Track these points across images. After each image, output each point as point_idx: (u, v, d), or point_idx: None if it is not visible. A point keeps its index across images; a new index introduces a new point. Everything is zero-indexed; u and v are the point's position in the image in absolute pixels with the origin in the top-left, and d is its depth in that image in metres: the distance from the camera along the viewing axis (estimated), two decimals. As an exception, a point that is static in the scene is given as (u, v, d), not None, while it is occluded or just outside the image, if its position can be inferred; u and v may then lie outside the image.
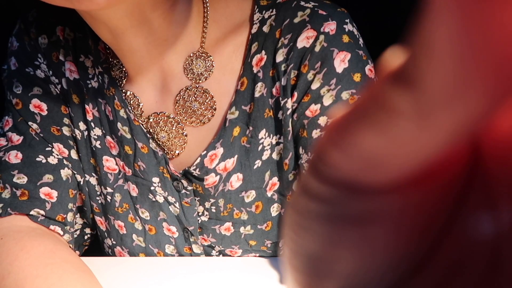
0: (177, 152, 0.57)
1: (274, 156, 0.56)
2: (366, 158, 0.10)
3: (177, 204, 0.59)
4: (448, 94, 0.08)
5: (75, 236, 0.61)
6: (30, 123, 0.57)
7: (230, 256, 0.62)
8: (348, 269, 0.13)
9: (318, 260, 0.13)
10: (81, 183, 0.60)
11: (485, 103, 0.08)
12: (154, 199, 0.59)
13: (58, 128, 0.59)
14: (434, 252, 0.12)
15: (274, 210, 0.58)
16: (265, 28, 0.53)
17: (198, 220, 0.59)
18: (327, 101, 0.51)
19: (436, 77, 0.08)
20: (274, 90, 0.53)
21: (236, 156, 0.55)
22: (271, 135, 0.55)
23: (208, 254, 0.62)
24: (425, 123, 0.09)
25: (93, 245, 0.67)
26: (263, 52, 0.53)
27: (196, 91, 0.54)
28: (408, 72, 0.09)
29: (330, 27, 0.51)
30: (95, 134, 0.59)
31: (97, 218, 0.63)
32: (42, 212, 0.54)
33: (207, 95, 0.54)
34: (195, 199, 0.58)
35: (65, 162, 0.58)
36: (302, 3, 0.52)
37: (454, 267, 0.12)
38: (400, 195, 0.11)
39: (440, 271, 0.12)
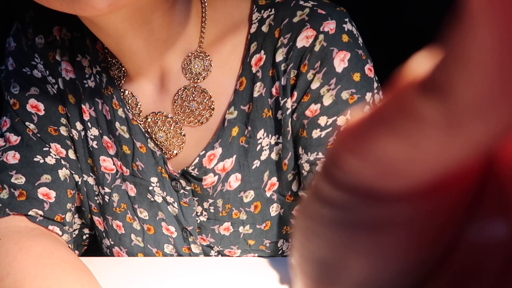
0: (175, 152, 0.57)
1: (273, 156, 0.56)
2: (385, 164, 0.10)
3: (175, 204, 0.59)
4: (481, 105, 0.08)
5: (74, 236, 0.61)
6: (27, 123, 0.57)
7: (229, 256, 0.61)
8: (360, 276, 0.13)
9: (329, 266, 0.13)
10: (79, 183, 0.60)
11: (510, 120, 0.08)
12: (152, 199, 0.59)
13: (55, 128, 0.58)
14: (447, 258, 0.12)
15: (273, 210, 0.58)
16: (264, 28, 0.53)
17: (197, 220, 0.59)
18: (327, 100, 0.51)
19: (470, 87, 0.08)
20: (273, 90, 0.53)
21: (234, 156, 0.55)
22: (270, 135, 0.55)
23: (206, 254, 0.62)
24: (453, 132, 0.09)
25: (92, 245, 0.67)
26: (262, 51, 0.53)
27: (194, 90, 0.54)
28: (439, 81, 0.09)
29: (330, 26, 0.51)
30: (91, 134, 0.59)
31: (95, 218, 0.63)
32: (40, 212, 0.54)
33: (205, 95, 0.54)
34: (194, 199, 0.58)
35: (63, 162, 0.58)
36: (301, 2, 0.52)
37: (467, 274, 0.12)
38: (415, 203, 0.11)
39: (453, 278, 0.12)
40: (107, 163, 0.59)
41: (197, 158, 0.55)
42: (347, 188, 0.11)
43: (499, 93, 0.08)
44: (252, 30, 0.53)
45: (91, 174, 0.61)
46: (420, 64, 0.09)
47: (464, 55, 0.08)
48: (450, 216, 0.12)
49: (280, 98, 0.53)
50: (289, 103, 0.53)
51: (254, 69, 0.53)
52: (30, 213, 0.54)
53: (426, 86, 0.09)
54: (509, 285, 0.11)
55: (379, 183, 0.11)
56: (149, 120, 0.56)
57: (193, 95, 0.54)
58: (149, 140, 0.57)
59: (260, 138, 0.55)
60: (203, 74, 0.54)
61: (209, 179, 0.56)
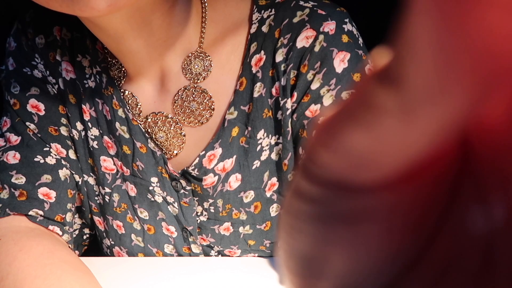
0: (175, 152, 0.57)
1: (273, 156, 0.56)
2: (355, 156, 0.10)
3: (175, 204, 0.59)
4: (431, 91, 0.09)
5: (74, 236, 0.61)
6: (27, 123, 0.57)
7: (229, 256, 0.62)
8: (342, 268, 0.13)
9: (312, 261, 0.13)
10: (80, 183, 0.60)
11: (467, 99, 0.09)
12: (152, 199, 0.59)
13: (56, 128, 0.58)
14: (429, 248, 0.12)
15: (274, 210, 0.58)
16: (264, 28, 0.53)
17: (197, 220, 0.59)
18: (327, 101, 0.51)
19: (419, 74, 0.08)
20: (273, 90, 0.53)
21: (234, 156, 0.55)
22: (270, 136, 0.55)
23: (207, 254, 0.62)
24: (409, 120, 0.09)
25: (93, 245, 0.67)
26: (262, 52, 0.53)
27: (194, 91, 0.54)
28: (392, 71, 0.09)
29: (330, 26, 0.50)
30: (92, 134, 0.59)
31: (96, 218, 0.63)
32: (40, 212, 0.54)
33: (205, 95, 0.54)
34: (194, 199, 0.58)
35: (63, 162, 0.58)
36: (301, 2, 0.52)
37: (450, 262, 0.12)
38: (390, 193, 0.11)
39: (436, 267, 0.12)
40: (107, 163, 0.59)
41: (197, 158, 0.56)
42: (322, 182, 0.11)
43: (445, 78, 0.08)
44: (252, 30, 0.53)
45: (91, 174, 0.61)
46: (380, 57, 0.10)
47: (411, 44, 0.08)
48: (430, 205, 0.12)
49: (280, 99, 0.53)
50: (289, 104, 0.53)
51: (254, 69, 0.53)
52: (30, 213, 0.54)
53: (382, 77, 0.09)
54: (491, 275, 0.12)
55: (352, 175, 0.11)
56: (149, 120, 0.56)
57: (193, 95, 0.54)
58: (149, 140, 0.57)
59: (260, 138, 0.55)
60: (203, 75, 0.54)
61: (209, 179, 0.56)
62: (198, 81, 0.54)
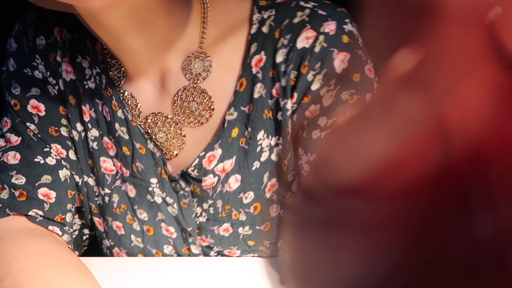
0: (175, 152, 0.57)
1: (273, 157, 0.56)
2: (373, 163, 0.10)
3: (175, 205, 0.59)
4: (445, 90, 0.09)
5: (74, 236, 0.61)
6: (28, 124, 0.57)
7: (228, 256, 0.61)
8: (350, 275, 0.13)
9: (319, 266, 0.13)
10: (80, 183, 0.60)
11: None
12: (152, 200, 0.59)
13: (56, 128, 0.58)
14: (441, 252, 0.12)
15: (273, 211, 0.58)
16: (265, 29, 0.53)
17: (196, 221, 0.59)
18: (326, 101, 0.51)
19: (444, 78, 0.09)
20: (273, 91, 0.53)
21: (234, 157, 0.55)
22: (270, 136, 0.55)
23: (206, 254, 0.62)
24: (434, 125, 0.09)
25: (92, 245, 0.67)
26: (263, 52, 0.53)
27: (194, 91, 0.54)
28: (418, 76, 0.09)
29: (330, 27, 0.50)
30: (92, 135, 0.59)
31: (96, 219, 0.63)
32: (40, 212, 0.54)
33: (205, 96, 0.54)
34: (193, 200, 0.58)
35: (63, 162, 0.58)
36: (302, 3, 0.52)
37: (463, 266, 0.12)
38: (401, 201, 0.11)
39: (449, 271, 0.12)
40: (107, 164, 0.59)
41: (197, 159, 0.55)
42: (337, 187, 0.11)
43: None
44: (253, 31, 0.53)
45: (91, 175, 0.61)
46: (400, 63, 0.09)
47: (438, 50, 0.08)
48: (440, 211, 0.12)
49: (280, 99, 0.53)
50: (289, 104, 0.52)
51: (254, 70, 0.53)
52: (30, 213, 0.54)
53: (407, 82, 0.09)
54: (503, 276, 0.11)
55: (369, 182, 0.11)
56: (149, 121, 0.56)
57: (193, 96, 0.54)
58: (148, 141, 0.57)
59: (260, 139, 0.55)
60: (203, 75, 0.54)
61: (209, 180, 0.56)
62: (198, 82, 0.54)
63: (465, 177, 0.12)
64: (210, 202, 0.57)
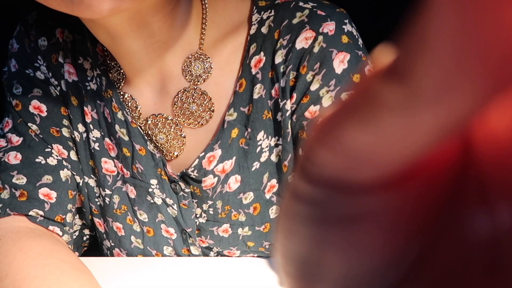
0: (175, 153, 0.57)
1: (273, 158, 0.55)
2: (354, 155, 0.10)
3: (175, 206, 0.59)
4: (439, 88, 0.08)
5: (74, 237, 0.61)
6: (29, 124, 0.58)
7: (228, 257, 0.61)
8: (339, 272, 0.12)
9: (310, 264, 0.13)
10: (80, 184, 0.61)
11: (475, 98, 0.08)
12: (152, 201, 0.59)
13: (58, 129, 0.59)
14: (431, 253, 0.12)
15: (273, 212, 0.58)
16: (264, 29, 0.53)
17: (196, 222, 0.59)
18: (326, 102, 0.51)
19: (429, 71, 0.08)
20: (273, 91, 0.53)
21: (234, 158, 0.55)
22: (270, 137, 0.54)
23: (206, 255, 0.62)
24: (412, 117, 0.09)
25: (92, 246, 0.67)
26: (262, 53, 0.53)
27: (194, 92, 0.54)
28: (400, 67, 0.09)
29: (329, 27, 0.50)
30: (93, 136, 0.59)
31: (96, 220, 0.63)
32: (41, 212, 0.55)
33: (205, 97, 0.54)
34: (193, 201, 0.58)
35: (64, 163, 0.59)
36: (301, 3, 0.52)
37: (453, 268, 0.12)
38: (389, 194, 0.11)
39: (438, 272, 0.12)
40: (108, 165, 0.60)
41: (197, 160, 0.55)
42: (320, 182, 0.11)
43: (455, 77, 0.08)
44: (252, 31, 0.53)
45: (92, 175, 0.61)
46: (382, 55, 0.09)
47: (425, 41, 0.08)
48: (430, 208, 0.12)
49: (279, 100, 0.53)
50: (289, 105, 0.52)
51: (253, 71, 0.53)
52: (30, 213, 0.54)
53: (387, 73, 0.09)
54: (497, 278, 0.11)
55: (349, 175, 0.10)
56: (149, 122, 0.57)
57: (193, 97, 0.54)
58: (148, 142, 0.57)
59: (260, 139, 0.55)
60: (203, 76, 0.54)
61: (209, 181, 0.56)
62: (198, 83, 0.54)
63: (459, 176, 0.11)
64: (210, 203, 0.57)
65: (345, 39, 0.51)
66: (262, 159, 0.55)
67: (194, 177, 0.56)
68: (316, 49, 0.50)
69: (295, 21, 0.51)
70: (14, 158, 0.56)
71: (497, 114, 0.10)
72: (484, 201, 0.11)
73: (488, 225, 0.11)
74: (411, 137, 0.09)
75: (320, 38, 0.50)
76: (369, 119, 0.09)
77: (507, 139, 0.10)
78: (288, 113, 0.53)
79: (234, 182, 0.56)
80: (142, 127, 0.57)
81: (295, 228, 0.12)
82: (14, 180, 0.55)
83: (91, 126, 0.59)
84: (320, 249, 0.12)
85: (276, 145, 0.55)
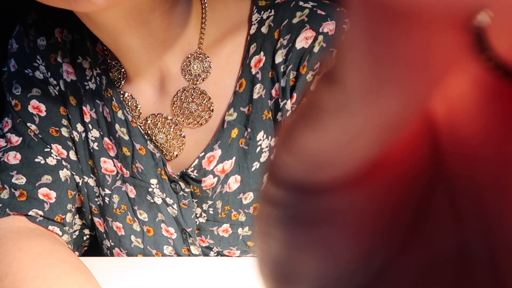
0: (175, 153, 0.57)
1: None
2: (310, 158, 0.10)
3: (175, 206, 0.59)
4: (364, 91, 0.09)
5: (74, 237, 0.61)
6: (29, 124, 0.58)
7: (228, 256, 0.61)
8: (313, 272, 0.13)
9: (284, 266, 0.13)
10: (80, 184, 0.61)
11: (401, 100, 0.09)
12: (152, 201, 0.59)
13: (57, 129, 0.59)
14: (403, 251, 0.12)
15: (273, 211, 0.58)
16: (264, 29, 0.53)
17: (196, 222, 0.59)
18: None
19: (355, 75, 0.09)
20: (273, 91, 0.53)
21: (234, 158, 0.55)
22: (270, 137, 0.55)
23: (206, 255, 0.62)
24: (351, 119, 0.09)
25: (92, 246, 0.67)
26: (262, 53, 0.53)
27: (193, 92, 0.54)
28: (334, 72, 0.09)
29: (329, 27, 0.50)
30: (92, 136, 0.59)
31: (96, 220, 0.63)
32: (40, 212, 0.55)
33: (205, 96, 0.54)
34: (193, 201, 0.58)
35: (64, 163, 0.58)
36: (301, 3, 0.52)
37: (424, 268, 0.12)
38: (351, 194, 0.11)
39: (409, 273, 0.12)
40: (107, 165, 0.60)
41: (197, 160, 0.55)
42: (286, 185, 0.11)
43: (377, 80, 0.09)
44: (252, 31, 0.53)
45: (91, 175, 0.61)
46: (331, 60, 0.10)
47: (347, 48, 0.09)
48: (399, 209, 0.12)
49: (280, 100, 0.53)
50: (289, 105, 0.52)
51: (253, 71, 0.53)
52: (30, 213, 0.54)
53: (325, 77, 0.09)
54: (467, 282, 0.11)
55: (310, 176, 0.11)
56: (149, 122, 0.57)
57: (192, 97, 0.54)
58: (148, 142, 0.57)
59: (260, 140, 0.55)
60: (203, 76, 0.54)
61: (209, 181, 0.56)
62: (198, 82, 0.54)
63: (428, 179, 0.12)
64: (210, 202, 0.57)
65: None
66: (262, 159, 0.55)
67: (194, 177, 0.56)
68: (316, 49, 0.50)
69: (295, 20, 0.51)
70: (13, 158, 0.56)
71: (491, 120, 0.10)
72: (453, 205, 0.11)
73: (457, 231, 0.11)
74: (356, 137, 0.10)
75: (320, 37, 0.50)
76: (314, 123, 0.10)
77: (474, 143, 0.10)
78: (288, 113, 0.53)
79: (234, 182, 0.56)
80: (142, 127, 0.57)
81: (269, 231, 0.13)
82: (13, 180, 0.55)
83: (90, 125, 0.59)
84: (293, 250, 0.12)
85: None
